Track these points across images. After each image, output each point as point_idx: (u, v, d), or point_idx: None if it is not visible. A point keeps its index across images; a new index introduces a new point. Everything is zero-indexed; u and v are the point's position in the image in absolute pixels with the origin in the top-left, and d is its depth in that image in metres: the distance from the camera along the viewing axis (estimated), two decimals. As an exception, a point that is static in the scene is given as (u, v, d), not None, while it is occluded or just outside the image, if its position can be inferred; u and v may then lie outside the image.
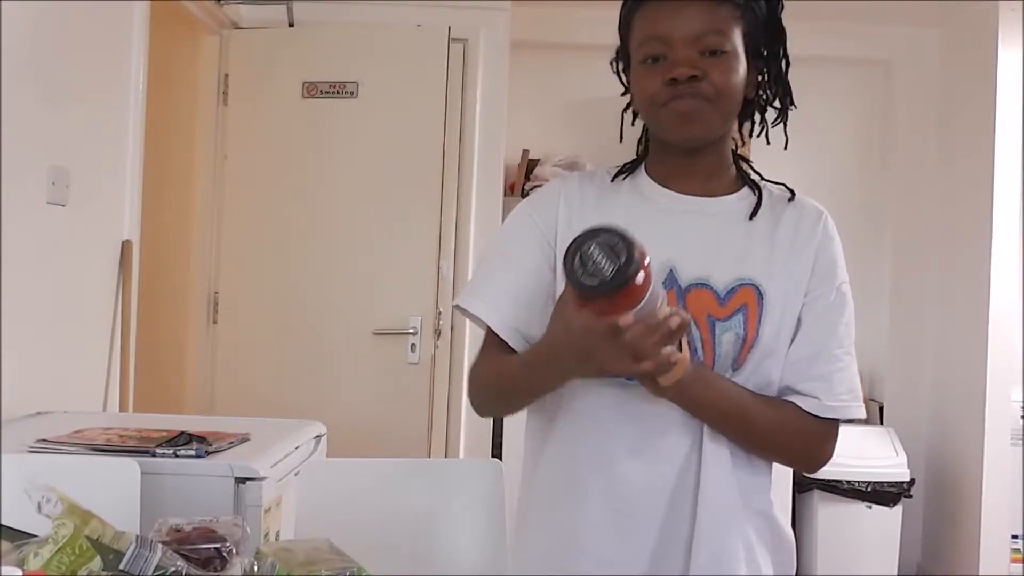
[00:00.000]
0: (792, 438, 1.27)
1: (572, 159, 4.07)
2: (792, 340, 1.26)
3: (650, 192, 1.30)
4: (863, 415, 1.27)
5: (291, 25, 3.57)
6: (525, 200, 1.36)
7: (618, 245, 0.96)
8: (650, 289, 1.00)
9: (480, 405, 1.35)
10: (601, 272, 0.96)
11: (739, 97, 1.24)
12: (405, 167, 3.44)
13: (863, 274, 3.95)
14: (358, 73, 3.46)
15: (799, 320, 1.26)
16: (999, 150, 3.70)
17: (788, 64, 1.31)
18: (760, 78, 1.29)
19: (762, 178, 1.33)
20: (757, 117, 1.33)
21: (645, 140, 1.35)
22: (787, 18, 1.31)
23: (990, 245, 3.70)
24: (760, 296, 1.23)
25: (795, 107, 1.32)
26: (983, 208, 3.75)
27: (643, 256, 0.98)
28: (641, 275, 0.97)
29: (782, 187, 1.33)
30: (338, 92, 3.46)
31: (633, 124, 1.36)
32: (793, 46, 1.32)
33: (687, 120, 1.21)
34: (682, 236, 1.26)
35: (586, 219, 1.26)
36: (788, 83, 1.31)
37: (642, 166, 1.34)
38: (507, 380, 1.28)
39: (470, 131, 3.69)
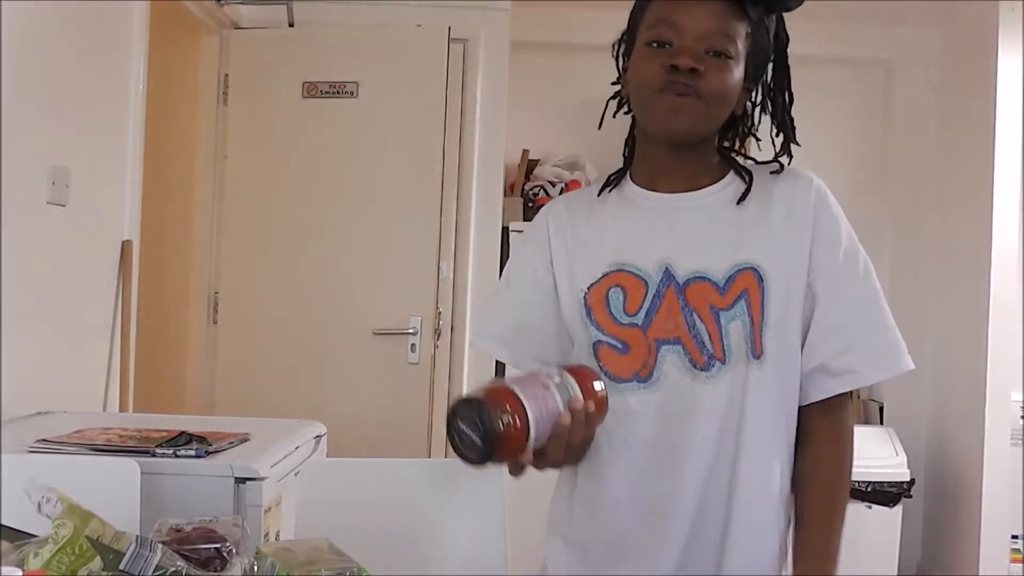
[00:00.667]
0: (851, 450, 1.30)
1: (572, 159, 4.07)
2: (811, 315, 1.25)
3: (637, 197, 1.31)
4: (910, 366, 1.26)
5: (291, 25, 3.57)
6: (520, 236, 1.40)
7: (472, 413, 0.99)
8: (531, 422, 1.01)
9: None
10: (475, 445, 1.00)
11: (730, 104, 1.25)
12: (405, 167, 3.44)
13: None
14: (358, 73, 3.45)
15: (815, 293, 1.25)
16: (999, 150, 3.69)
17: (792, 99, 1.33)
18: (750, 101, 1.31)
19: (756, 162, 1.32)
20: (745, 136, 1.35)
21: (631, 143, 1.36)
22: (788, 18, 1.31)
23: (990, 245, 3.70)
24: (760, 278, 1.22)
25: (798, 144, 1.33)
26: (983, 208, 3.75)
27: (501, 405, 1.00)
28: (508, 422, 0.99)
29: (770, 163, 1.31)
30: (338, 92, 3.46)
31: (615, 116, 1.37)
32: (793, 46, 1.32)
33: (676, 112, 1.21)
34: (673, 232, 1.26)
35: (579, 236, 1.32)
36: (792, 119, 1.32)
37: (628, 176, 1.35)
38: None
39: (470, 131, 3.68)
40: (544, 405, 1.04)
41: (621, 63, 1.33)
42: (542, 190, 4.01)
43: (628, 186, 1.33)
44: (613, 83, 1.36)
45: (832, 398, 1.25)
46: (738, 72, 1.23)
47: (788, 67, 1.31)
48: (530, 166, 4.12)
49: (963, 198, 3.99)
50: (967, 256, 3.90)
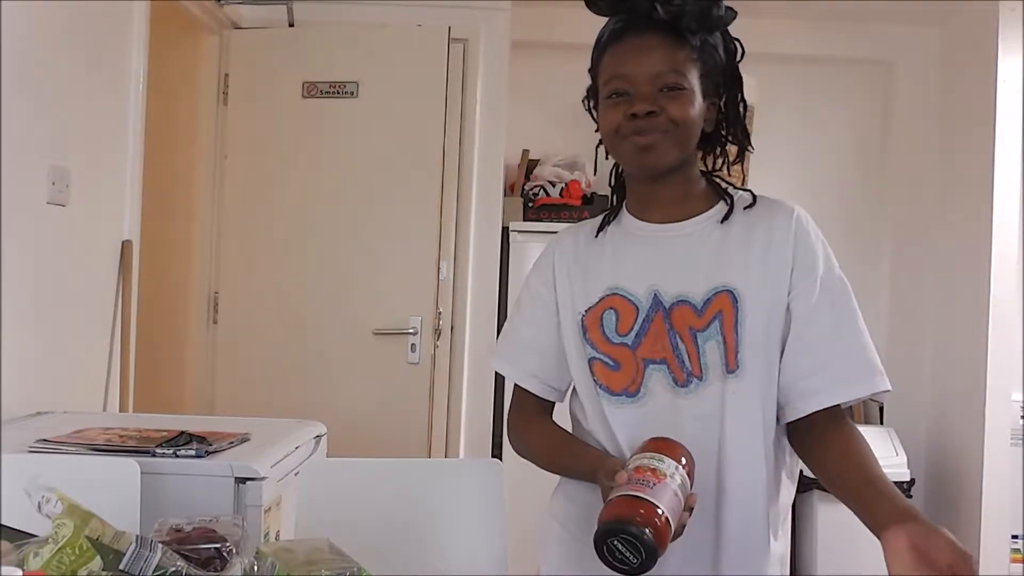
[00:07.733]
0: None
1: (572, 159, 4.07)
2: (787, 334, 1.32)
3: (631, 227, 1.42)
4: (880, 387, 1.31)
5: (291, 25, 3.57)
6: (532, 267, 1.51)
7: (630, 539, 1.09)
8: (672, 526, 1.12)
9: (515, 449, 1.50)
10: (628, 561, 1.10)
11: (696, 129, 1.34)
12: (405, 167, 3.44)
13: (863, 274, 3.95)
14: (358, 73, 3.46)
15: (791, 313, 1.32)
16: (999, 150, 3.69)
17: (746, 108, 1.41)
18: (719, 115, 1.39)
19: (734, 187, 1.41)
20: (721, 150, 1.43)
21: (618, 180, 1.46)
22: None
23: (990, 245, 3.70)
24: (735, 300, 1.30)
25: (752, 150, 1.42)
26: (983, 208, 3.75)
27: (650, 522, 1.09)
28: (658, 540, 1.09)
29: (748, 193, 1.40)
30: (338, 92, 3.46)
31: (608, 157, 1.45)
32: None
33: (644, 151, 1.31)
34: (662, 260, 1.36)
35: (580, 263, 1.44)
36: (746, 127, 1.42)
37: (624, 207, 1.45)
38: (551, 458, 1.43)
39: (470, 131, 3.69)
40: (676, 503, 1.14)
41: (594, 115, 1.42)
42: (542, 190, 4.01)
43: (625, 217, 1.44)
44: (596, 131, 1.43)
45: (833, 408, 1.30)
46: (696, 96, 1.31)
47: (740, 78, 1.39)
48: (530, 166, 4.12)
49: (963, 198, 3.98)
50: (967, 256, 3.90)
